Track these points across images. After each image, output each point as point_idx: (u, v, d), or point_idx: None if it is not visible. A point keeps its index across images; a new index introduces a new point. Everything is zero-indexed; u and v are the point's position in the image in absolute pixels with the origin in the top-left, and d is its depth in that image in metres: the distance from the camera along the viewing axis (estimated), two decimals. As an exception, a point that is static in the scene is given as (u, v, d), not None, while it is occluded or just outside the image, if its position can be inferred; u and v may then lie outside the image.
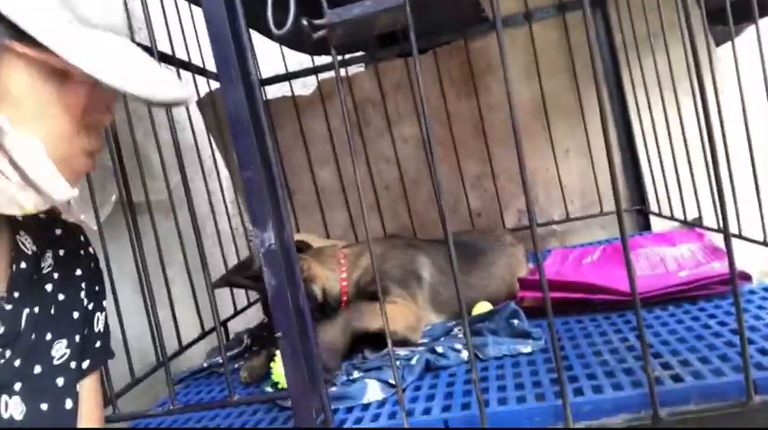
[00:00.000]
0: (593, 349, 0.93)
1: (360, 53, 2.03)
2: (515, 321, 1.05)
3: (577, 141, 1.86)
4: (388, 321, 0.79)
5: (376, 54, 1.95)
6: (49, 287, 0.71)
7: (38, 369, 0.66)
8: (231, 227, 1.87)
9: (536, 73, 1.82)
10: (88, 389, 0.77)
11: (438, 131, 1.90)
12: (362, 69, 2.05)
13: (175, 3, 1.67)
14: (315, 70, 1.96)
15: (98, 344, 0.79)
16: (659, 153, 1.58)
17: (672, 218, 1.62)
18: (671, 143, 1.49)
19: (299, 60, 2.10)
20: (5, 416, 0.61)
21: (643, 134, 1.68)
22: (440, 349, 1.02)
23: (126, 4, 1.65)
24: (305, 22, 0.69)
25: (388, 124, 1.96)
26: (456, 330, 1.15)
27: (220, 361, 1.08)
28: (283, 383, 0.99)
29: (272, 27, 0.66)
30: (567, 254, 1.57)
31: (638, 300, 0.69)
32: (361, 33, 0.74)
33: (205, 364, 1.30)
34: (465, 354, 1.01)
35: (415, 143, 1.98)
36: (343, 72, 1.96)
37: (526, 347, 0.99)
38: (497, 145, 1.90)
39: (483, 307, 1.19)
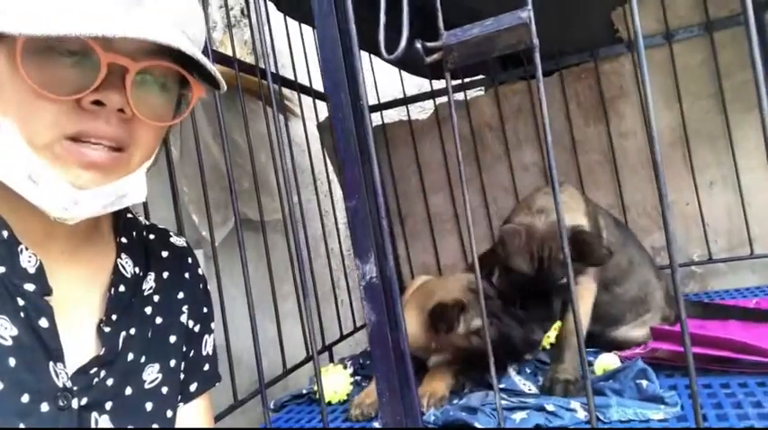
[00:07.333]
0: (746, 423, 0.79)
1: (479, 77, 1.96)
2: (644, 382, 0.92)
3: (724, 173, 1.65)
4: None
5: (497, 77, 1.87)
6: (148, 310, 0.71)
7: (128, 390, 0.66)
8: (341, 248, 1.87)
9: (676, 98, 1.66)
10: (199, 411, 0.77)
11: (562, 159, 1.78)
12: (482, 93, 1.98)
13: (300, 29, 1.72)
14: (432, 94, 1.92)
15: (206, 367, 0.79)
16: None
17: None
18: None
19: (418, 84, 2.07)
20: None
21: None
22: (550, 407, 0.91)
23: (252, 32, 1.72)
24: (418, 45, 0.65)
25: (507, 150, 1.87)
26: (572, 385, 1.03)
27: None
28: None
29: (383, 51, 0.62)
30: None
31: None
32: (480, 55, 0.68)
33: (304, 391, 1.28)
34: (582, 415, 0.89)
35: (536, 171, 1.87)
36: (461, 96, 1.90)
37: (657, 413, 0.86)
38: (629, 175, 1.75)
39: (607, 361, 1.05)
